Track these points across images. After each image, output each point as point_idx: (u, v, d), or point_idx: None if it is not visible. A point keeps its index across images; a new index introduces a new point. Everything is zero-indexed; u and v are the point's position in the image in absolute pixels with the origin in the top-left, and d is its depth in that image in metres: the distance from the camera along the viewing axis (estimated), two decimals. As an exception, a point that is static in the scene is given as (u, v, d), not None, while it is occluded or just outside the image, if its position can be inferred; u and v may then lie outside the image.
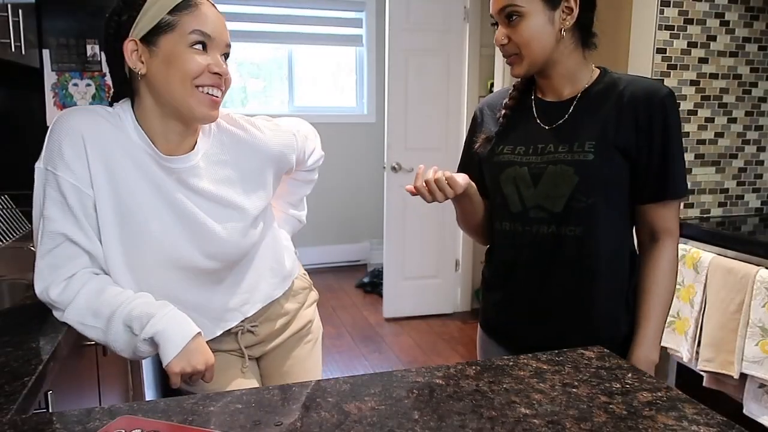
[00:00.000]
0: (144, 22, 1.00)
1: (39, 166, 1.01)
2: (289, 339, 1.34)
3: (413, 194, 1.13)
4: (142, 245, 1.06)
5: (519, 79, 1.23)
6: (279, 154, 1.19)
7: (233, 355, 1.27)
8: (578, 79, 1.17)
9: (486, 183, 1.25)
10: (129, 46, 1.00)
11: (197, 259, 1.10)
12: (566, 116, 1.16)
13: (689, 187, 2.36)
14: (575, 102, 1.16)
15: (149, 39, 1.00)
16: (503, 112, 1.23)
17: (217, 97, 1.04)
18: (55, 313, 1.05)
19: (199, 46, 1.01)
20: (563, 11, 1.10)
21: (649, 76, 2.18)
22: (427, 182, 1.11)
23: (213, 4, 1.06)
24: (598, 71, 1.19)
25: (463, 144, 1.36)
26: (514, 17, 1.10)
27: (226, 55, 1.07)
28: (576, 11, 1.11)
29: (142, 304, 1.01)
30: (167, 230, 1.06)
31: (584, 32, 1.15)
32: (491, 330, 1.32)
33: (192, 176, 1.07)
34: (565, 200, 1.13)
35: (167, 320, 1.00)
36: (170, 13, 0.99)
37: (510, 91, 1.25)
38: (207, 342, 1.07)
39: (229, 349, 1.26)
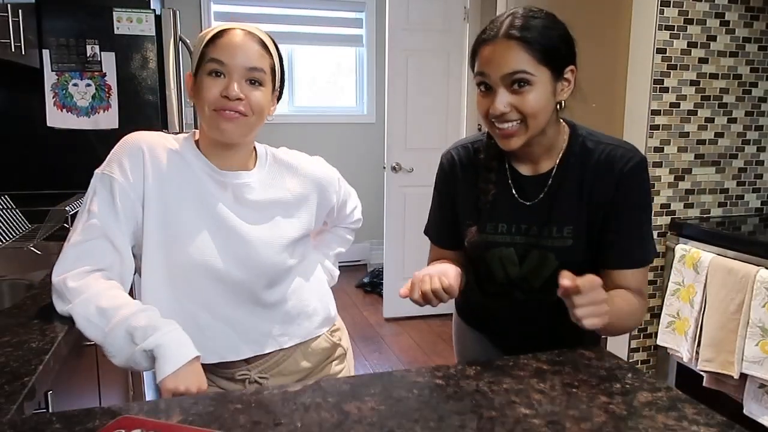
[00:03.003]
0: (194, 58, 1.12)
1: (97, 171, 1.10)
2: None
3: (404, 297, 1.07)
4: (182, 251, 1.11)
5: (484, 141, 1.19)
6: (320, 181, 1.27)
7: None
8: (555, 146, 1.14)
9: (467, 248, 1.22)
10: (187, 80, 1.13)
11: (230, 267, 1.13)
12: (545, 191, 1.15)
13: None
14: (552, 177, 1.14)
15: (196, 72, 1.11)
16: (485, 197, 1.18)
17: (232, 113, 1.08)
18: (61, 305, 1.05)
19: (215, 74, 1.08)
20: (563, 82, 1.07)
21: (649, 77, 2.19)
22: (424, 293, 1.06)
23: (248, 33, 1.10)
24: (567, 129, 1.16)
25: None
26: (522, 84, 1.02)
27: (254, 81, 1.09)
28: (572, 84, 1.08)
29: (149, 317, 1.02)
30: (204, 236, 1.12)
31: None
32: (467, 318, 1.40)
33: (242, 192, 1.16)
34: (545, 279, 1.17)
35: (170, 337, 1.00)
36: (204, 46, 1.09)
37: (484, 161, 1.19)
38: (214, 375, 1.13)
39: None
